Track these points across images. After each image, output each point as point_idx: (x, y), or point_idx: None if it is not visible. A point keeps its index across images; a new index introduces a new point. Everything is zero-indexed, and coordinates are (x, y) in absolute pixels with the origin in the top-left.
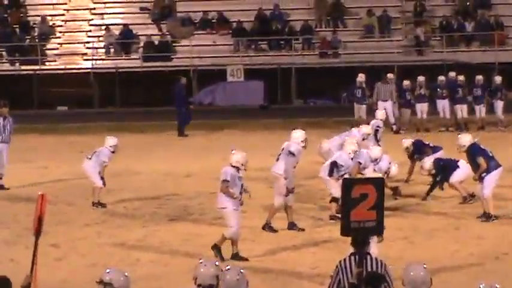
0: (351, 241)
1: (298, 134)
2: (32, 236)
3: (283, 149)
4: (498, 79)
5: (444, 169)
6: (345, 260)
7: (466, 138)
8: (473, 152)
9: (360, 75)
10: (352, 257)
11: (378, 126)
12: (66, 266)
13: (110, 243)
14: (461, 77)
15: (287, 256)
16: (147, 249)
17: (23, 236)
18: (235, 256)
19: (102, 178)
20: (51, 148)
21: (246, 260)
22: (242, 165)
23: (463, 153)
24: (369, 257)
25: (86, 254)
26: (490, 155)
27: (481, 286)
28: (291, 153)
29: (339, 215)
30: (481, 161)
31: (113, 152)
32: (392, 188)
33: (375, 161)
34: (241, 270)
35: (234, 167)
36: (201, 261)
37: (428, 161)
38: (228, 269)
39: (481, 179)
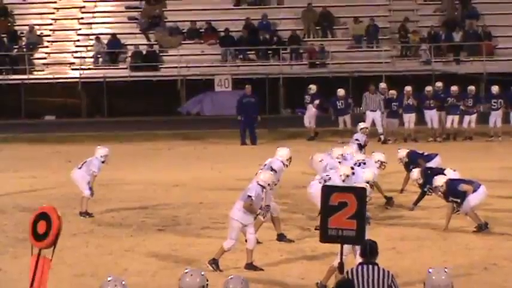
0: (359, 251)
1: (283, 152)
2: (18, 246)
3: (265, 164)
4: (495, 89)
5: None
6: (352, 269)
7: (441, 180)
8: (453, 186)
9: (339, 90)
10: (360, 267)
11: (356, 139)
12: (54, 276)
13: (98, 253)
14: (453, 87)
15: (275, 266)
16: (134, 259)
17: (11, 246)
18: (250, 266)
19: (90, 188)
20: (39, 158)
21: (261, 269)
22: (269, 185)
23: (452, 161)
24: (376, 268)
25: (73, 263)
26: (467, 180)
27: (430, 271)
28: (273, 170)
29: None
30: (464, 187)
31: (103, 162)
32: (387, 198)
33: (367, 183)
34: (244, 279)
35: (260, 185)
36: (186, 271)
37: (416, 171)
38: (231, 278)
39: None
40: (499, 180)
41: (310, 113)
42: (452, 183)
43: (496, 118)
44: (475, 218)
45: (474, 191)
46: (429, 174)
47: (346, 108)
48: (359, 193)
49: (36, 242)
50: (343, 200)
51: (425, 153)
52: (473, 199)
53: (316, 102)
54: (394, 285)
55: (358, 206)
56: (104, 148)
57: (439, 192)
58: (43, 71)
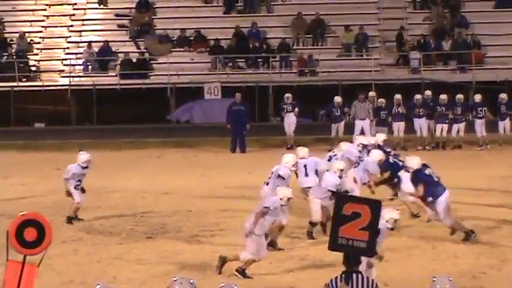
0: (343, 260)
1: (288, 158)
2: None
3: (272, 172)
4: (478, 97)
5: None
6: (336, 278)
7: (414, 161)
8: (419, 176)
9: (336, 97)
10: (344, 276)
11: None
12: (43, 284)
13: (87, 260)
14: (442, 95)
15: (264, 275)
16: (124, 267)
17: None
18: (241, 272)
19: (82, 189)
20: (29, 165)
21: (250, 278)
22: (281, 199)
23: (441, 169)
24: (360, 276)
25: (62, 271)
26: (436, 180)
27: (434, 279)
28: (280, 177)
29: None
30: (419, 190)
31: (85, 168)
32: None
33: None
34: (235, 287)
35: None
36: (175, 279)
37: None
38: (223, 286)
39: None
40: (487, 188)
41: (291, 121)
42: (420, 173)
43: (481, 126)
44: (459, 226)
45: (437, 196)
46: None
47: (341, 116)
48: (375, 206)
49: (25, 249)
50: (357, 210)
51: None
52: (441, 203)
53: (296, 110)
54: None
55: (372, 218)
56: (85, 154)
57: (406, 172)
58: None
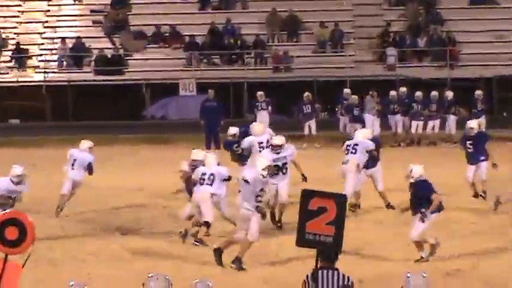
0: (319, 255)
1: (258, 162)
2: None
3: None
4: (450, 94)
5: None
6: (312, 274)
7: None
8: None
9: (306, 93)
10: (320, 272)
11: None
12: None
13: (61, 257)
14: (418, 92)
15: (238, 270)
16: (98, 263)
17: None
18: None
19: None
20: (3, 161)
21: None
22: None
23: None
24: (336, 273)
25: (35, 268)
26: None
27: (408, 276)
28: (245, 181)
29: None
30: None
31: (18, 184)
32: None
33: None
34: (209, 283)
35: None
36: (150, 275)
37: None
38: (197, 282)
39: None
40: (462, 185)
41: (265, 120)
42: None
43: (453, 123)
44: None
45: None
46: None
47: (312, 113)
48: (340, 200)
49: (5, 247)
50: (323, 205)
51: None
52: None
53: (270, 108)
54: None
55: (338, 213)
56: (19, 168)
57: None
58: (7, 74)
